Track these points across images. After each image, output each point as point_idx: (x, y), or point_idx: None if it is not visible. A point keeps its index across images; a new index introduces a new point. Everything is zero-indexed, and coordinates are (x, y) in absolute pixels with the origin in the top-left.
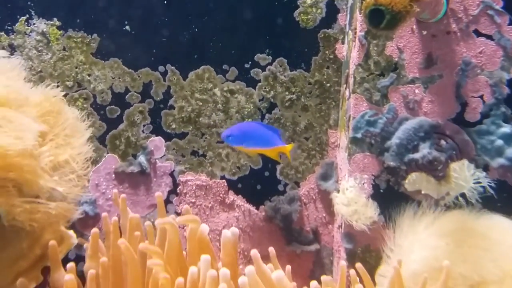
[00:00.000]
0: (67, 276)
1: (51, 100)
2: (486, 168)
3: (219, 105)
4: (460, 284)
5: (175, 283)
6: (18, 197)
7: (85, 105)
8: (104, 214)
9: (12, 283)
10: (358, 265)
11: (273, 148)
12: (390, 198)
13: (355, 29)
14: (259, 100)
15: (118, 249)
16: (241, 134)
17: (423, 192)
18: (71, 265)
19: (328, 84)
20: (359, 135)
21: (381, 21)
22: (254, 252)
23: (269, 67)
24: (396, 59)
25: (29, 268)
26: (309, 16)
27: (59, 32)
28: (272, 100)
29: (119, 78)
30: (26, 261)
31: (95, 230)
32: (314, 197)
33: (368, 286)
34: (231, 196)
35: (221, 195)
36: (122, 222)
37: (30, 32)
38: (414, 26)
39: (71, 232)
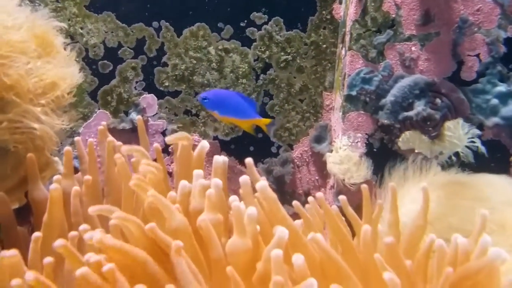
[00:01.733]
0: (52, 186)
1: (42, 27)
2: (480, 127)
3: (214, 64)
4: (448, 235)
5: (167, 196)
6: (1, 116)
7: (77, 59)
8: (76, 138)
9: None
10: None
11: (246, 120)
12: (383, 156)
13: None
14: (254, 60)
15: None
16: (217, 100)
17: (416, 151)
18: (57, 177)
19: (325, 45)
20: (354, 93)
21: None
22: (249, 160)
23: (265, 26)
24: (393, 16)
25: (12, 188)
26: None
27: None
28: (267, 60)
29: (112, 32)
30: (10, 182)
31: (67, 148)
32: (307, 159)
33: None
34: (224, 156)
35: (213, 155)
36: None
37: None
38: None
39: (57, 158)
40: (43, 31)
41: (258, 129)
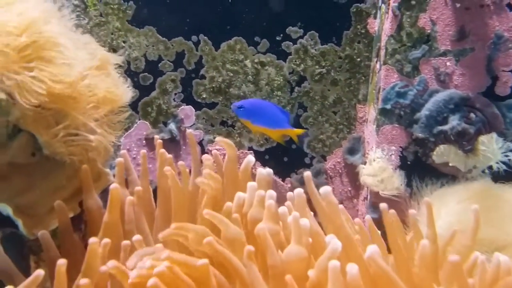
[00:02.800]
0: (112, 185)
1: (99, 52)
2: None
3: (250, 76)
4: (486, 247)
5: (223, 209)
6: (59, 129)
7: (119, 72)
8: (123, 152)
9: (52, 211)
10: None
11: (277, 130)
12: (417, 169)
13: (389, 0)
14: (289, 73)
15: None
16: (251, 109)
17: (450, 164)
18: (115, 185)
19: (359, 59)
20: (388, 106)
21: None
22: (307, 173)
23: (300, 40)
24: (429, 31)
25: (67, 198)
26: None
27: None
28: (302, 73)
29: (153, 46)
30: (65, 192)
31: (119, 159)
32: (340, 171)
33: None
34: (258, 167)
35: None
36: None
37: None
38: None
39: (108, 170)
40: (100, 53)
41: (291, 141)
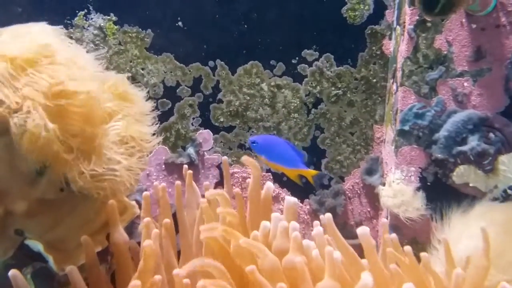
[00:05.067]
0: (145, 243)
1: (124, 85)
2: None
3: (266, 99)
4: (508, 271)
5: (251, 236)
6: (87, 165)
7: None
8: (155, 183)
9: (80, 246)
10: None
11: (292, 169)
12: (437, 190)
13: (404, 23)
14: (305, 95)
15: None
16: (265, 145)
17: (471, 185)
18: (147, 219)
19: (375, 80)
20: (406, 128)
21: (434, 7)
22: (328, 215)
23: (315, 62)
24: (445, 52)
25: (95, 232)
26: (356, 13)
27: (115, 27)
28: (318, 95)
29: (171, 72)
30: (93, 226)
31: (146, 193)
32: (358, 191)
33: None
34: (276, 189)
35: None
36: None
37: (88, 26)
38: (464, 20)
39: (134, 202)
40: (123, 89)
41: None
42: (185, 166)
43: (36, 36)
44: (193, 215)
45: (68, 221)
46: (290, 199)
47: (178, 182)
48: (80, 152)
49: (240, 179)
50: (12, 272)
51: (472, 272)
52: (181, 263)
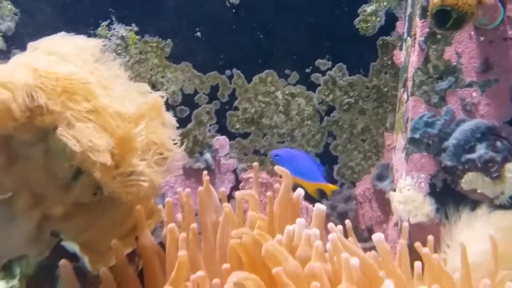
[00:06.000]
0: (180, 253)
1: (151, 96)
2: None
3: (281, 107)
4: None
5: (275, 239)
6: (117, 171)
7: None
8: (179, 189)
9: (111, 247)
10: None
11: (312, 183)
12: (446, 196)
13: (415, 35)
14: (319, 103)
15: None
16: (287, 159)
17: (478, 191)
18: (172, 226)
19: (386, 89)
20: (417, 136)
21: (446, 22)
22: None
23: (328, 72)
24: (455, 63)
25: (124, 235)
26: (368, 24)
27: (137, 37)
28: (331, 103)
29: (189, 80)
30: (122, 229)
31: (168, 199)
32: (369, 196)
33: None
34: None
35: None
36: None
37: (111, 36)
38: (472, 32)
39: (160, 206)
40: (151, 100)
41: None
42: (205, 172)
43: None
44: (211, 219)
45: (100, 223)
46: (320, 206)
47: (200, 188)
48: (111, 157)
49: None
50: (63, 262)
51: (480, 276)
52: (205, 267)
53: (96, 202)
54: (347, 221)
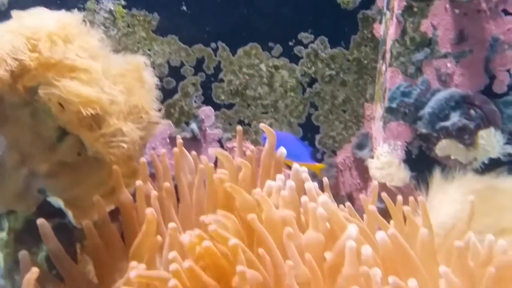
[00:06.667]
0: (148, 210)
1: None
2: (511, 135)
3: (264, 79)
4: (485, 232)
5: (252, 192)
6: (99, 132)
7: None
8: (151, 152)
9: (94, 204)
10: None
11: (300, 163)
12: (421, 163)
13: (393, 8)
14: (301, 75)
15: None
16: (276, 141)
17: (452, 157)
18: (139, 183)
19: (366, 61)
20: (394, 105)
21: None
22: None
23: (311, 45)
24: (430, 35)
25: (109, 192)
26: None
27: (124, 10)
28: (313, 75)
29: (176, 53)
30: (107, 187)
31: (142, 159)
32: (349, 165)
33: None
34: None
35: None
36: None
37: (99, 10)
38: (447, 5)
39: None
40: (133, 62)
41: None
42: (178, 136)
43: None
44: (187, 179)
45: (84, 182)
46: (296, 166)
47: (175, 149)
48: (93, 119)
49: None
50: (40, 221)
51: (453, 235)
52: (181, 225)
53: (80, 161)
54: (324, 179)
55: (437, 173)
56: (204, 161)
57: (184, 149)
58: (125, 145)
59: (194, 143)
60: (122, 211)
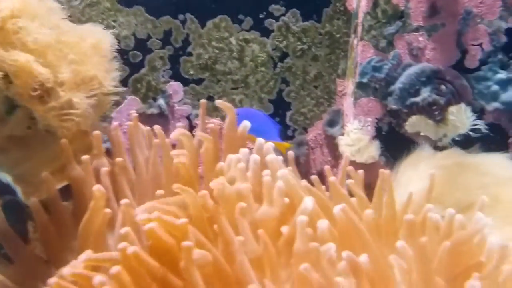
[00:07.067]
0: (95, 187)
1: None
2: (482, 111)
3: (235, 53)
4: (452, 207)
5: (215, 168)
6: (50, 104)
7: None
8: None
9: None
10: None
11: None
12: (392, 139)
13: None
14: (272, 49)
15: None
16: (245, 118)
17: (422, 134)
18: (85, 157)
19: (338, 35)
20: (365, 80)
21: None
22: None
23: (282, 17)
24: (402, 8)
25: (61, 168)
26: None
27: None
28: (284, 49)
29: (142, 25)
30: (59, 162)
31: (96, 132)
32: (320, 142)
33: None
34: None
35: None
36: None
37: None
38: None
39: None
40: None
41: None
42: (132, 111)
43: None
44: (143, 154)
45: (35, 156)
46: (261, 140)
47: (130, 122)
48: (44, 91)
49: (209, 130)
50: None
51: (412, 210)
52: (138, 200)
53: (31, 135)
54: (290, 152)
55: (407, 150)
56: (159, 135)
57: (139, 123)
58: (76, 118)
59: (161, 119)
60: (73, 188)
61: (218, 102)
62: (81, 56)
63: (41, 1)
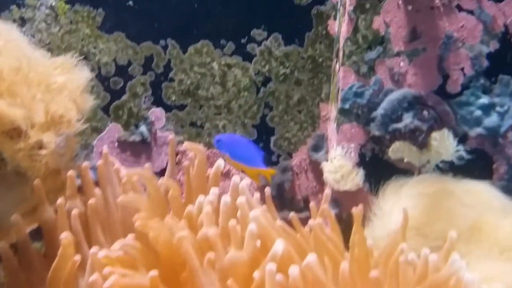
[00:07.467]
0: (62, 235)
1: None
2: (465, 137)
3: (217, 78)
4: (435, 239)
5: (185, 212)
6: (18, 145)
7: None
8: (84, 165)
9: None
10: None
11: (252, 168)
12: (375, 166)
13: (345, 4)
14: (255, 74)
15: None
16: (229, 144)
17: (405, 160)
18: (60, 201)
19: (321, 59)
20: (347, 106)
21: None
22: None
23: (264, 42)
24: (383, 33)
25: (32, 210)
26: None
27: (67, 6)
28: (267, 74)
29: (122, 51)
30: (29, 204)
31: (70, 172)
32: (305, 167)
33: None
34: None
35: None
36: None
37: (40, 5)
38: (400, 1)
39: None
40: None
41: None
42: (105, 146)
43: None
44: (115, 193)
45: (4, 199)
46: (236, 179)
47: (99, 161)
48: (14, 131)
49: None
50: None
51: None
52: (110, 241)
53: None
54: (267, 189)
55: (391, 177)
56: (127, 175)
57: (110, 160)
58: (45, 158)
59: (144, 146)
60: (44, 231)
61: (186, 145)
62: (50, 95)
63: (9, 33)
